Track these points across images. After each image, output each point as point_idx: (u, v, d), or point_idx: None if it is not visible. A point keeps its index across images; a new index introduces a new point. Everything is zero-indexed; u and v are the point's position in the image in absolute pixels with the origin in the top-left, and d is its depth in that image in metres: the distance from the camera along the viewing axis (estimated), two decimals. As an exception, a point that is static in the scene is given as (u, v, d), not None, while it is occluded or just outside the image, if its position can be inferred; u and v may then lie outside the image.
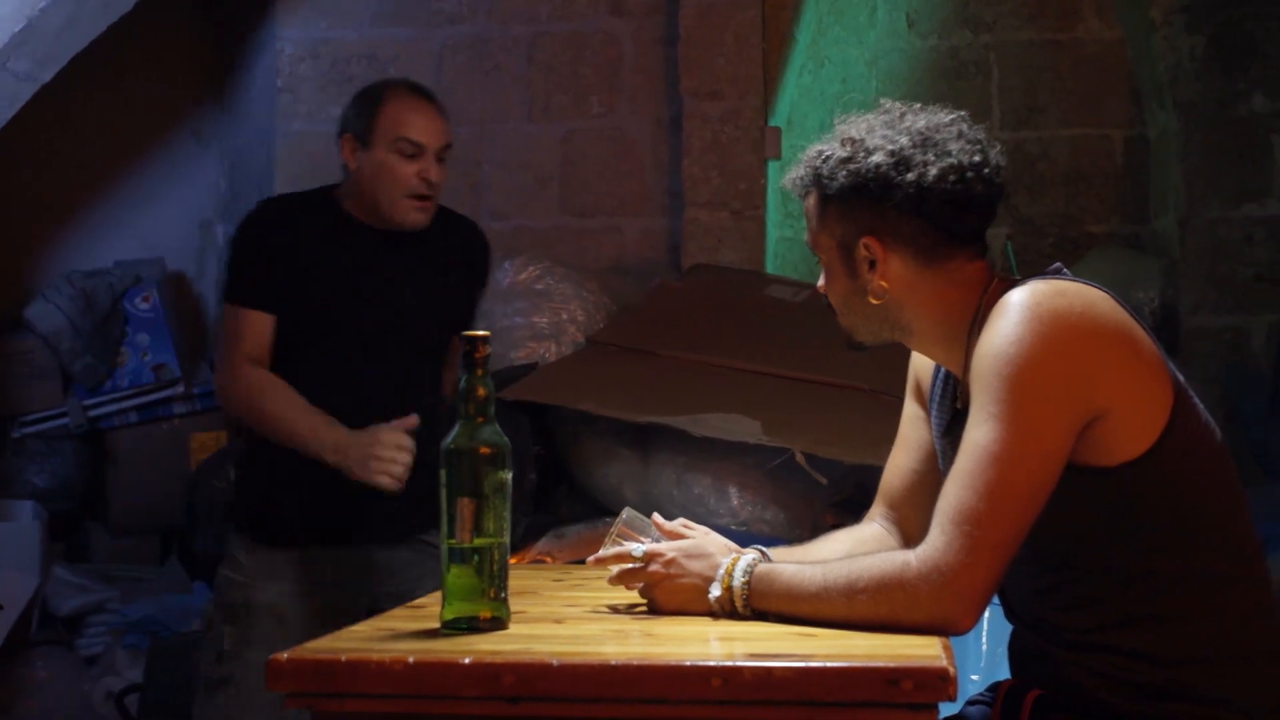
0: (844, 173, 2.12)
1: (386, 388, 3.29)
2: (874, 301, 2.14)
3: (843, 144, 2.14)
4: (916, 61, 5.87)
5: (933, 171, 2.07)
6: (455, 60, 5.45)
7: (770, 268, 5.38)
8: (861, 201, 2.12)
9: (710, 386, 4.13)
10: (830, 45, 5.96)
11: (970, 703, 2.27)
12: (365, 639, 1.93)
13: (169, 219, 5.88)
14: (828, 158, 2.15)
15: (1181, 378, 2.06)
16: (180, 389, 5.43)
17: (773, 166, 5.45)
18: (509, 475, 1.99)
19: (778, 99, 5.47)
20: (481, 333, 2.02)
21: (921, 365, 2.32)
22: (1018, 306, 1.99)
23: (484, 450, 1.97)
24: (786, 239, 5.92)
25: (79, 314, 5.37)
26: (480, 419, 1.99)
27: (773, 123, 5.34)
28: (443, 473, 1.98)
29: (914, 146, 2.09)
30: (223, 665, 3.28)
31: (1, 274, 5.64)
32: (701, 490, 4.00)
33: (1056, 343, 1.96)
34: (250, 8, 5.63)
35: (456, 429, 1.99)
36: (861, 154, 2.11)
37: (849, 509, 3.89)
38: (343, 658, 1.80)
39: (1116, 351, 1.99)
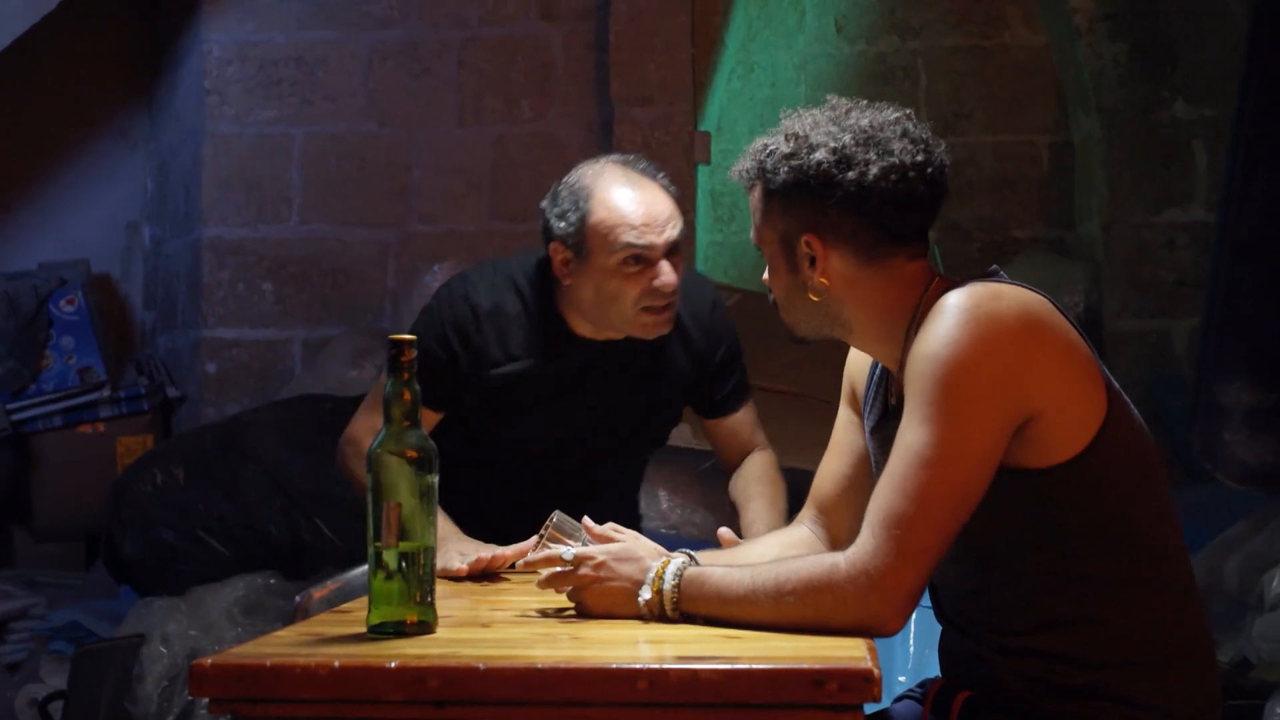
0: (786, 168, 2.11)
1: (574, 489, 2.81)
2: (814, 298, 2.14)
3: (786, 139, 2.13)
4: (845, 66, 5.91)
5: (874, 170, 2.06)
6: (385, 64, 5.43)
7: (700, 271, 5.40)
8: (803, 198, 2.11)
9: (640, 390, 4.13)
10: (759, 50, 5.99)
11: (899, 698, 2.28)
12: (291, 644, 1.92)
13: (94, 221, 5.83)
14: (772, 152, 2.14)
15: (1115, 382, 2.07)
16: (106, 392, 5.37)
17: (702, 171, 5.47)
18: (435, 479, 1.98)
19: (707, 104, 5.49)
20: (407, 336, 2.02)
21: (856, 370, 2.32)
22: (954, 309, 1.99)
23: (410, 454, 1.97)
24: (716, 243, 5.94)
25: (2, 317, 5.31)
26: (406, 423, 1.98)
27: (702, 127, 5.36)
28: (368, 477, 1.97)
29: (856, 144, 2.08)
30: None
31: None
32: (631, 494, 4.00)
33: (991, 346, 1.97)
34: (178, 9, 5.59)
35: (383, 433, 1.98)
36: (804, 150, 2.10)
37: (778, 512, 3.90)
38: (268, 662, 1.79)
39: (1051, 355, 2.00)
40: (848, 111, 2.14)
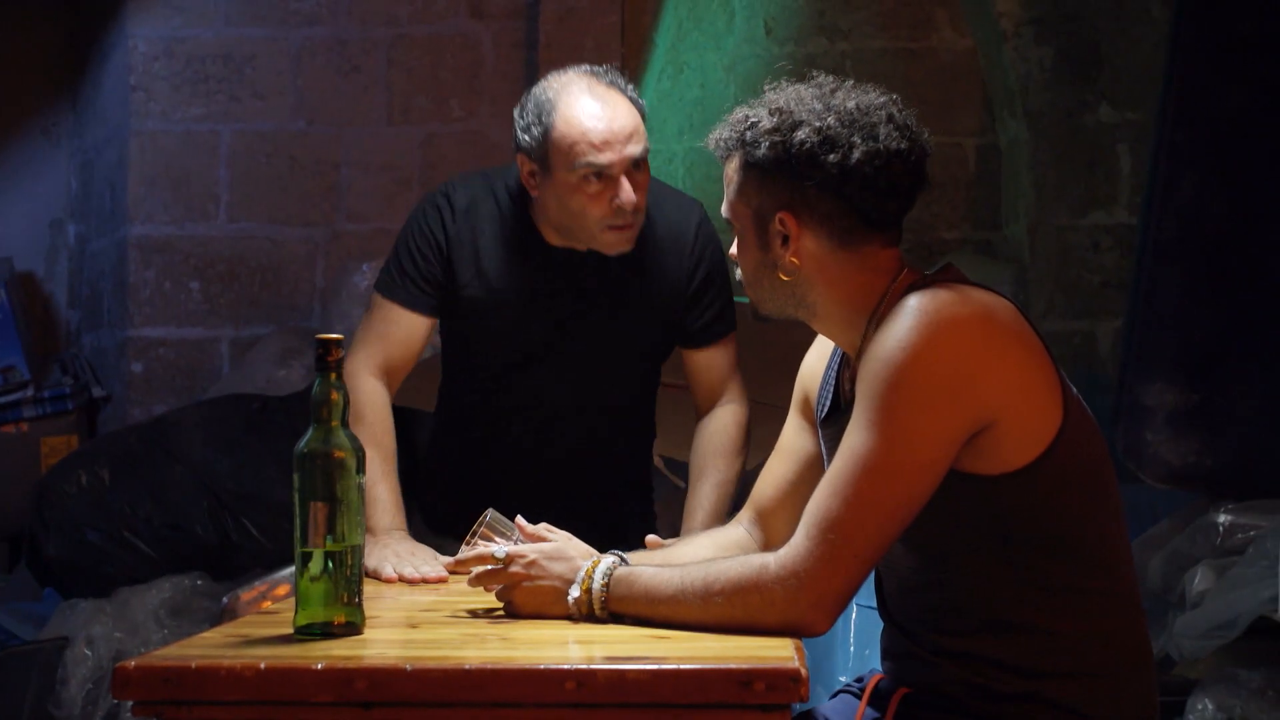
0: (768, 143, 2.06)
1: (564, 417, 2.88)
2: (783, 278, 2.10)
3: (771, 113, 2.08)
4: (774, 68, 5.93)
5: (857, 154, 2.02)
6: (313, 61, 5.40)
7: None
8: (782, 175, 2.06)
9: (569, 390, 4.13)
10: (689, 51, 6.00)
11: (836, 693, 2.29)
12: (216, 645, 1.91)
13: (18, 218, 5.77)
14: (753, 124, 2.09)
15: (1074, 389, 2.05)
16: (30, 392, 5.32)
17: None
18: (362, 479, 1.98)
19: (637, 104, 5.50)
20: (335, 336, 2.01)
21: (809, 377, 2.30)
22: (913, 310, 1.96)
23: (337, 454, 1.96)
24: (646, 243, 5.95)
25: (-77, 315, 5.24)
26: (334, 422, 1.98)
27: (633, 127, 5.36)
28: (295, 477, 1.96)
29: (842, 125, 2.04)
30: None
31: None
32: (560, 493, 4.00)
33: (946, 352, 1.94)
34: (104, 4, 5.53)
35: (309, 433, 1.97)
36: (788, 126, 2.05)
37: (707, 511, 3.91)
38: (193, 664, 1.78)
39: (1009, 363, 1.98)
40: (834, 91, 2.10)
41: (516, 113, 2.77)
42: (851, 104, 2.07)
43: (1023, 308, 2.10)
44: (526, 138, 2.73)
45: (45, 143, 5.83)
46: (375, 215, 5.39)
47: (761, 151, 2.07)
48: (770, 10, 5.97)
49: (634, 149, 2.68)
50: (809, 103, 2.08)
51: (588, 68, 2.75)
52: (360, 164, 5.41)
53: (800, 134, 2.05)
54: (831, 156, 2.03)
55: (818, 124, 2.04)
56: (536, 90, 2.75)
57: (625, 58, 5.27)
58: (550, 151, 2.68)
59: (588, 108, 2.67)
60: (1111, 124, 5.14)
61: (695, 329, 2.92)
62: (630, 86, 2.76)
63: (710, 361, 2.95)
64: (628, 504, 3.04)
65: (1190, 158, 3.86)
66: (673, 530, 2.89)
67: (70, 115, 5.83)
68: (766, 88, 2.15)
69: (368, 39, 5.40)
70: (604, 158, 2.66)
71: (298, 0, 5.41)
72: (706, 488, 2.89)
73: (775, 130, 2.06)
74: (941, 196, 5.71)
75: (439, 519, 2.99)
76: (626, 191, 2.67)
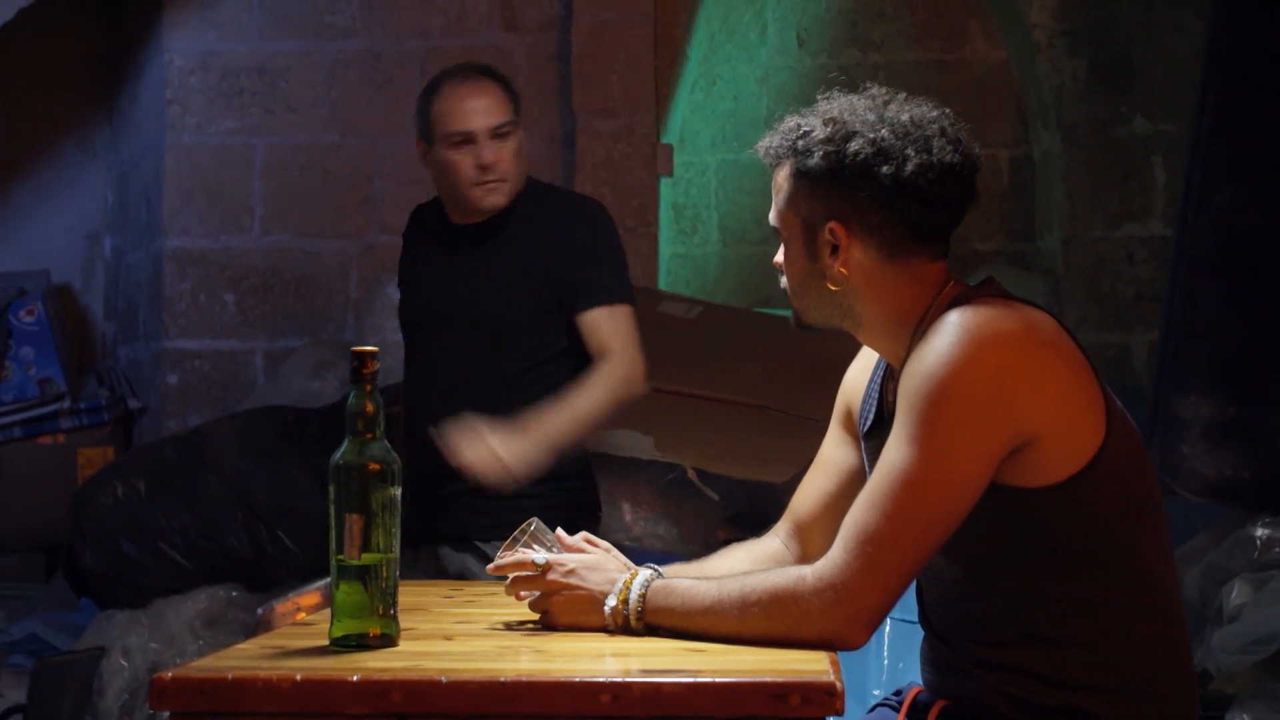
0: (821, 152, 2.06)
1: (468, 384, 3.30)
2: (831, 287, 2.10)
3: (825, 123, 2.08)
4: (806, 80, 5.93)
5: (910, 166, 2.02)
6: (347, 74, 5.42)
7: (663, 284, 5.41)
8: (834, 185, 2.06)
9: (602, 402, 4.13)
10: (722, 63, 6.01)
11: (874, 706, 2.28)
12: (252, 656, 1.92)
13: (55, 231, 5.80)
14: (806, 134, 2.09)
15: (1118, 404, 2.04)
16: (66, 403, 5.34)
17: (665, 183, 5.48)
18: (398, 491, 1.98)
19: (670, 116, 5.51)
20: (370, 348, 2.02)
21: (852, 390, 2.29)
22: (955, 326, 1.96)
23: (372, 466, 1.96)
24: (679, 255, 5.96)
25: (-39, 328, 5.28)
26: (369, 435, 1.98)
27: (665, 139, 5.37)
28: (331, 489, 1.97)
29: (896, 137, 2.04)
30: None
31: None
32: (593, 506, 4.01)
33: (987, 369, 1.94)
34: (139, 19, 5.57)
35: (345, 445, 1.98)
36: (841, 136, 2.05)
37: (741, 524, 3.91)
38: (229, 675, 1.78)
39: (1051, 379, 1.98)
40: (887, 103, 2.10)
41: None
42: (905, 116, 2.07)
43: (1064, 321, 2.09)
44: (418, 121, 3.33)
45: (82, 156, 5.86)
46: (409, 227, 5.40)
47: (814, 160, 2.07)
48: (803, 22, 5.98)
49: (493, 119, 3.27)
50: (863, 114, 2.08)
51: (470, 64, 3.38)
52: (394, 176, 5.42)
53: (854, 144, 2.05)
54: (885, 168, 2.03)
55: (871, 135, 2.05)
56: (426, 85, 3.37)
57: (658, 70, 5.27)
58: (431, 125, 3.29)
59: (456, 87, 3.29)
60: (1146, 135, 5.12)
61: (575, 294, 3.29)
62: (504, 78, 3.36)
63: (594, 325, 3.28)
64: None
65: (1226, 169, 3.85)
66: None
67: (106, 129, 5.87)
68: (819, 97, 2.15)
69: (401, 52, 5.42)
70: (469, 125, 3.25)
71: (331, 14, 5.43)
72: (561, 403, 3.23)
73: (829, 140, 2.07)
74: (975, 208, 5.69)
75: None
76: (488, 151, 3.25)
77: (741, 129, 6.06)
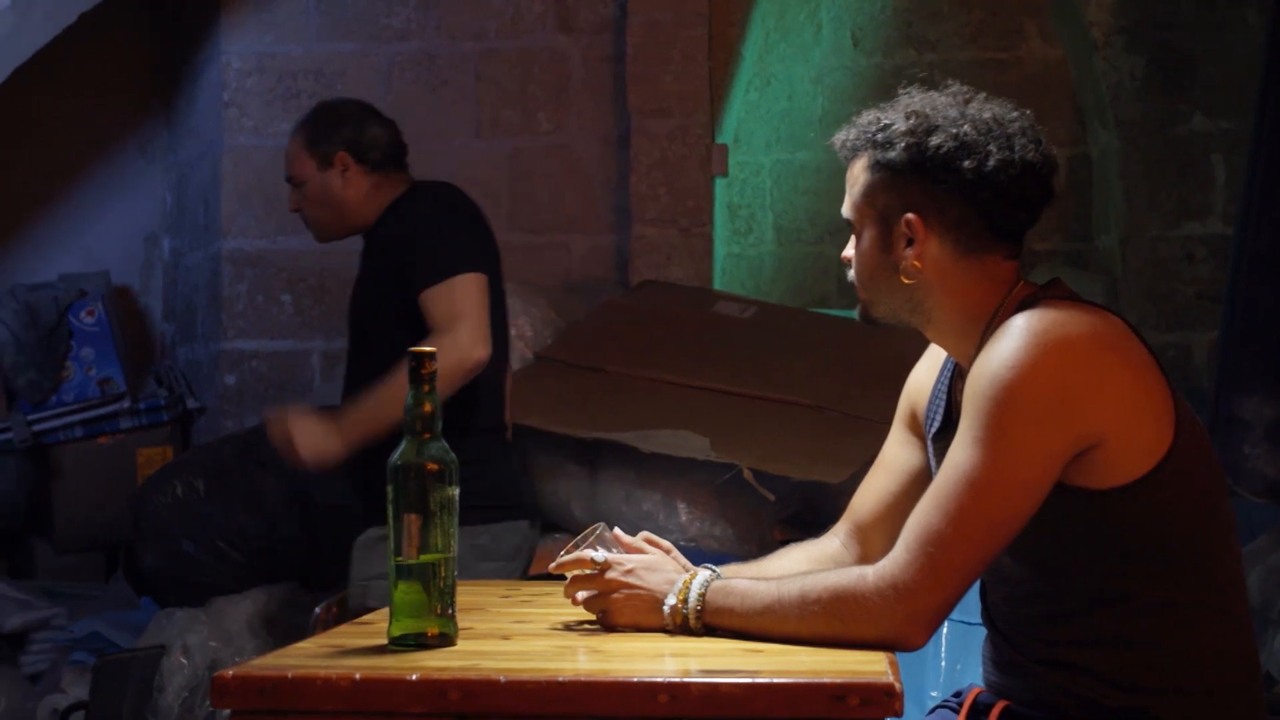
0: (903, 144, 2.06)
1: (349, 386, 3.57)
2: (905, 281, 2.10)
3: (907, 116, 2.08)
4: (861, 79, 5.91)
5: (993, 162, 2.03)
6: (403, 76, 5.44)
7: (718, 284, 5.40)
8: (914, 178, 2.07)
9: (658, 403, 4.14)
10: (776, 63, 6.00)
11: (934, 709, 2.27)
12: (311, 655, 1.93)
13: (114, 233, 5.85)
14: (887, 126, 2.09)
15: (1187, 406, 2.03)
16: (126, 403, 5.39)
17: (720, 183, 5.47)
18: (456, 491, 1.99)
19: (724, 116, 5.50)
20: (427, 349, 2.02)
21: (917, 390, 2.28)
22: (1021, 330, 1.96)
23: (431, 466, 1.97)
24: (734, 255, 5.95)
25: (23, 328, 5.33)
26: (427, 435, 1.99)
27: (720, 140, 5.37)
28: (390, 489, 1.98)
29: (979, 133, 2.05)
30: None
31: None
32: (650, 506, 4.00)
33: (1054, 373, 1.94)
34: (196, 21, 5.61)
35: (403, 445, 1.99)
36: (924, 130, 2.06)
37: (797, 525, 3.90)
38: (289, 674, 1.79)
39: (1118, 383, 1.97)
40: (968, 100, 2.11)
41: None
42: (988, 114, 2.08)
43: (1131, 323, 2.08)
44: None
45: (141, 159, 5.91)
46: (464, 228, 5.41)
47: (894, 152, 2.08)
48: (858, 21, 5.96)
49: (289, 170, 3.65)
50: (945, 109, 2.09)
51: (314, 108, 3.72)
52: (448, 177, 5.38)
53: (936, 138, 2.05)
54: (967, 162, 2.04)
55: (954, 130, 2.06)
56: None
57: (712, 70, 5.27)
58: None
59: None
60: (1205, 133, 5.08)
61: (408, 283, 3.46)
62: (310, 120, 3.67)
63: (427, 304, 3.42)
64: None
65: (1287, 167, 3.81)
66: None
67: (165, 132, 5.91)
68: (900, 92, 2.16)
69: (456, 53, 5.43)
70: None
71: (387, 16, 5.46)
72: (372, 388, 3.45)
73: (911, 132, 2.07)
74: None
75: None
76: (291, 198, 3.69)
77: (796, 129, 6.04)
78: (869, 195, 2.12)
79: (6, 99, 4.89)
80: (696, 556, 2.44)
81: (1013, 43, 5.80)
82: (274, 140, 5.44)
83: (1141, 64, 5.12)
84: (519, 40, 5.42)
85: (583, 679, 1.78)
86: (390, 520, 1.97)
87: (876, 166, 2.11)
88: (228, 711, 1.81)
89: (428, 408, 1.99)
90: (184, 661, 4.22)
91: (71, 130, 5.79)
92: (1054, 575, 2.04)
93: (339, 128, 3.60)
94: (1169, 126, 5.11)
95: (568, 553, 2.23)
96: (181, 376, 5.62)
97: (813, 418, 4.06)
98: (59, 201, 5.82)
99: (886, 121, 2.10)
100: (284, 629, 4.20)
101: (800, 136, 6.04)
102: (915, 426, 2.28)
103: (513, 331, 4.66)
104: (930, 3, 5.92)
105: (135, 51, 5.85)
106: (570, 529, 4.03)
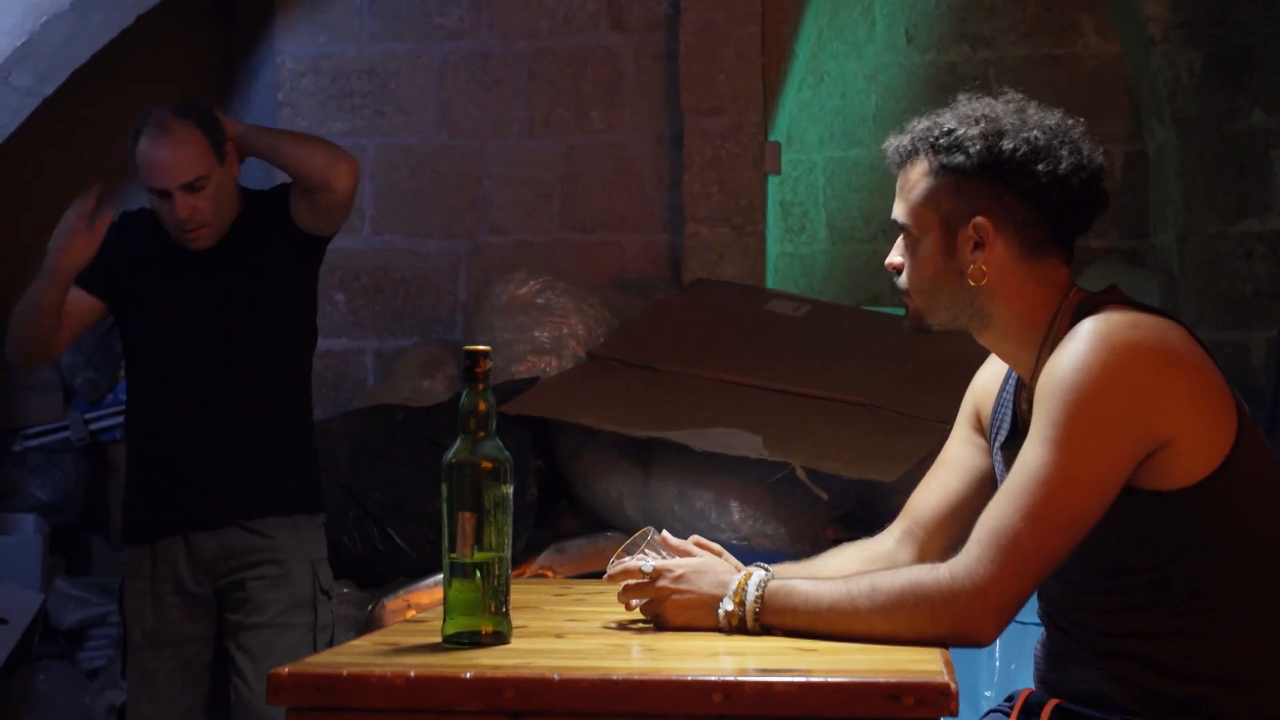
0: (976, 148, 2.08)
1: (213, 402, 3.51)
2: (970, 284, 2.11)
3: (975, 121, 2.10)
4: (915, 76, 5.88)
5: (1065, 165, 2.06)
6: (456, 75, 5.46)
7: (771, 283, 5.39)
8: (984, 181, 2.09)
9: (711, 401, 4.13)
10: (829, 60, 5.98)
11: (986, 714, 2.27)
12: (366, 653, 1.93)
13: (170, 233, 5.89)
14: (951, 131, 2.11)
15: (1245, 407, 2.07)
16: (181, 403, 5.42)
17: (773, 181, 5.46)
18: (510, 489, 1.99)
19: (777, 114, 5.49)
20: (482, 347, 2.03)
21: (983, 392, 2.30)
22: (1090, 334, 1.99)
23: (485, 465, 1.97)
24: (787, 254, 5.93)
25: (80, 328, 5.37)
26: (481, 433, 1.99)
27: (773, 138, 5.36)
28: (444, 487, 1.98)
29: (1049, 138, 2.08)
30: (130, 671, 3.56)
31: (2, 287, 5.64)
32: (703, 505, 4.00)
33: (1123, 376, 1.97)
34: (251, 23, 5.65)
35: (458, 443, 1.99)
36: (995, 134, 2.08)
37: (849, 524, 3.89)
38: (344, 672, 1.80)
39: (1183, 387, 2.00)
40: (1024, 107, 2.13)
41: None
42: (1051, 120, 2.11)
43: (1188, 325, 2.10)
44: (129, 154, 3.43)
45: (196, 159, 5.95)
46: (517, 228, 5.43)
47: (963, 157, 2.09)
48: (911, 18, 5.93)
49: (185, 176, 3.38)
50: (1009, 115, 2.11)
51: (167, 107, 3.45)
52: (502, 177, 5.45)
53: (1008, 142, 2.07)
54: (1041, 166, 2.06)
55: (1026, 135, 2.08)
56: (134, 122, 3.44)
57: (765, 68, 5.26)
58: (135, 167, 3.42)
59: (153, 139, 3.38)
60: (1264, 129, 5.03)
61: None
62: (196, 118, 3.45)
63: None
64: None
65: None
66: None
67: (220, 131, 5.95)
68: (956, 99, 2.17)
69: (509, 52, 5.45)
70: (160, 184, 3.38)
71: (440, 15, 5.47)
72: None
73: (983, 136, 2.08)
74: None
75: None
76: (181, 206, 3.38)
77: (850, 126, 6.02)
78: (932, 200, 2.13)
79: (64, 100, 4.93)
80: (748, 555, 2.43)
81: (1068, 38, 5.76)
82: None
83: (1199, 59, 5.07)
84: (572, 39, 5.42)
85: (636, 677, 1.78)
86: (444, 518, 1.98)
87: (943, 170, 2.11)
88: (284, 709, 1.82)
89: (482, 406, 2.00)
90: (239, 658, 4.23)
91: (128, 130, 5.82)
92: (1116, 573, 2.06)
93: (215, 120, 3.52)
94: (1227, 122, 5.07)
95: (617, 559, 2.23)
96: (237, 375, 5.65)
97: (866, 416, 4.05)
98: (115, 200, 5.86)
99: (950, 126, 2.11)
100: (338, 627, 4.21)
101: (853, 134, 6.02)
102: (979, 428, 2.29)
103: (564, 330, 4.67)
104: (985, -1, 5.89)
105: (191, 53, 5.89)
106: (623, 527, 4.03)
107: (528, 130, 5.45)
